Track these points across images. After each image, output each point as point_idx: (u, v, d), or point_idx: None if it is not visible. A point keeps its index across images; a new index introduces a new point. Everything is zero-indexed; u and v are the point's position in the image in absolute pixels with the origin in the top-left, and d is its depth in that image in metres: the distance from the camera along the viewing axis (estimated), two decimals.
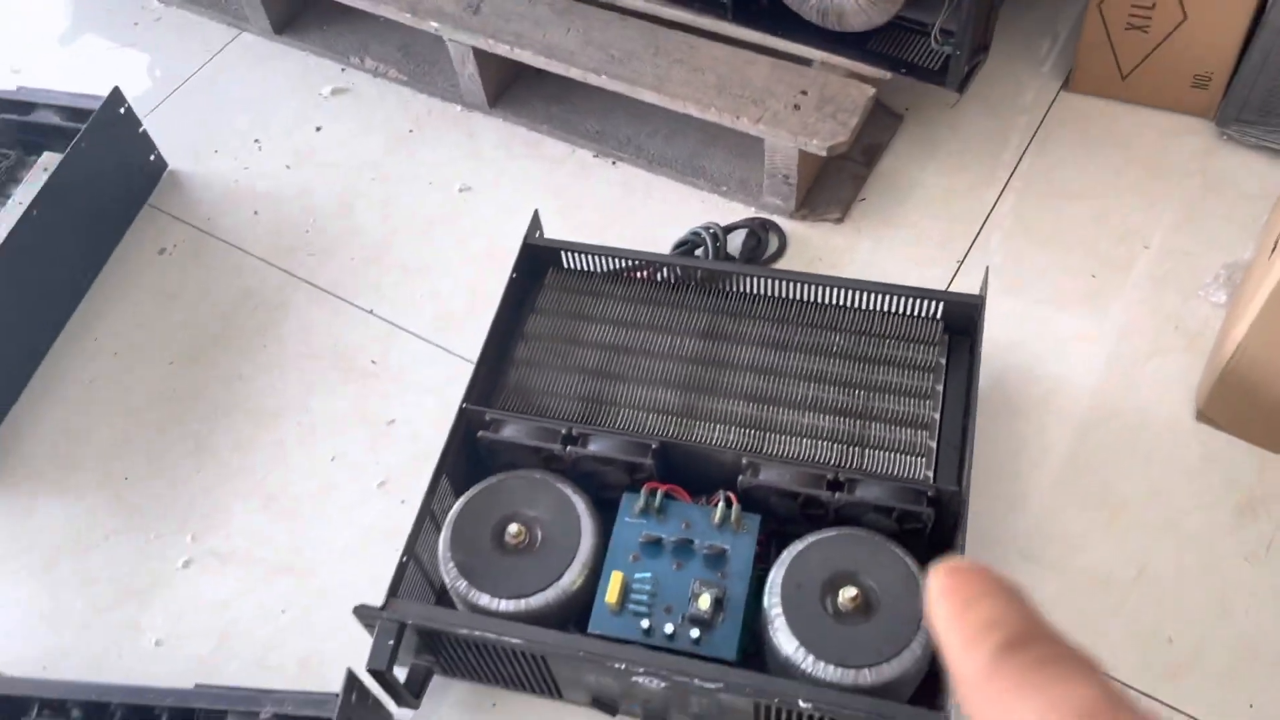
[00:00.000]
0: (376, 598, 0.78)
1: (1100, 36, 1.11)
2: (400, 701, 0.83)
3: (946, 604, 0.23)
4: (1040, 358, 1.00)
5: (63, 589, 0.95)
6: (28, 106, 1.14)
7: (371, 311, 1.10)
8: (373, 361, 1.07)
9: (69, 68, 1.35)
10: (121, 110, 1.15)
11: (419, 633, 0.79)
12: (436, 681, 0.87)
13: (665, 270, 0.98)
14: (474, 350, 0.91)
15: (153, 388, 1.07)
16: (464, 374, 0.90)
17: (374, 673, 0.78)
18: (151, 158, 1.21)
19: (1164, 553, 0.89)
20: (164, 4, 1.40)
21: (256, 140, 1.26)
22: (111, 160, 1.16)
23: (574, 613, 0.81)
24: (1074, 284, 1.05)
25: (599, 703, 0.83)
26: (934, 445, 0.86)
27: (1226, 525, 0.90)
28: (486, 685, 0.86)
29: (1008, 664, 0.22)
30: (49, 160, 1.10)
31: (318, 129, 1.26)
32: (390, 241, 1.15)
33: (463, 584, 0.81)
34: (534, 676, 0.81)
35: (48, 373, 1.09)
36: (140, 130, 1.19)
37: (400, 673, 0.82)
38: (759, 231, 1.09)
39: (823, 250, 1.10)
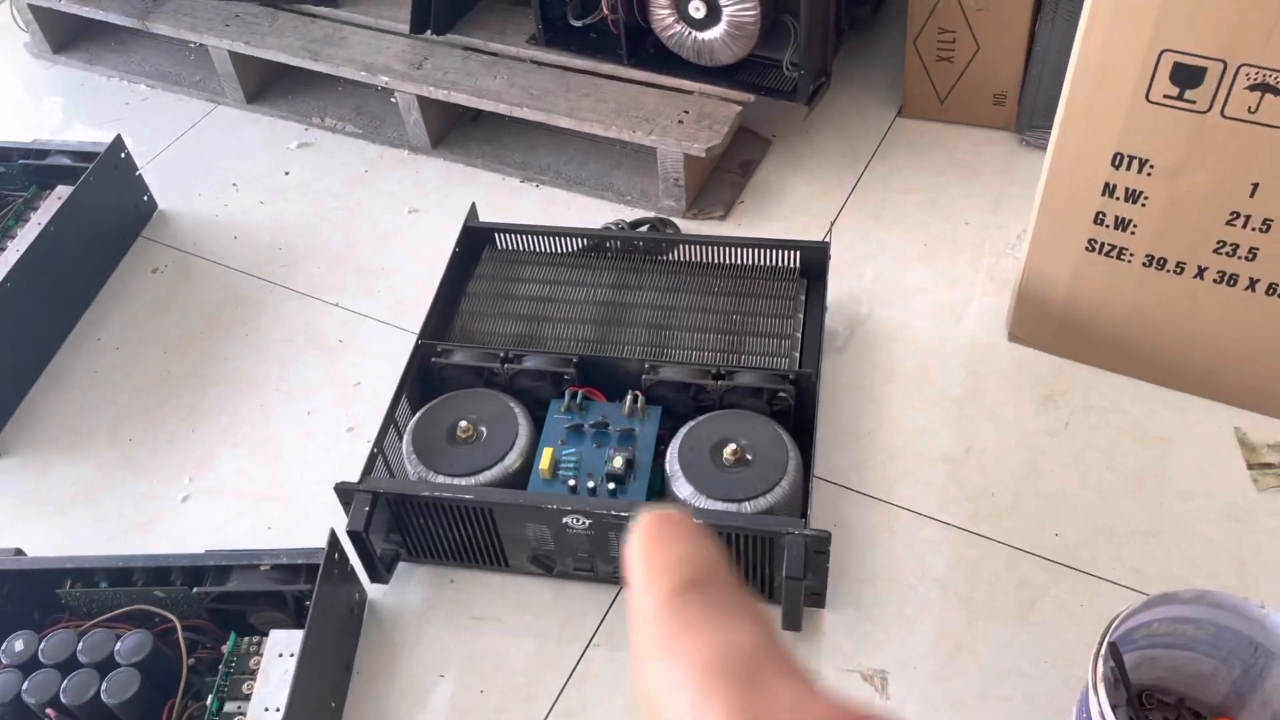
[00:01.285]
0: (345, 520, 0.95)
1: (919, 68, 1.40)
2: (373, 574, 1.00)
3: (639, 542, 0.23)
4: (887, 305, 1.24)
5: (77, 525, 1.12)
6: (43, 153, 1.36)
7: (337, 304, 1.31)
8: (340, 340, 1.27)
9: (71, 139, 1.57)
10: (122, 155, 1.38)
11: (388, 507, 0.98)
12: (402, 567, 1.05)
13: (581, 241, 1.21)
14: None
15: (150, 372, 1.26)
16: None
17: (352, 534, 0.96)
18: (145, 198, 1.43)
19: (987, 435, 1.11)
20: (150, 87, 1.65)
21: (234, 184, 1.48)
22: (113, 195, 1.37)
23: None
24: (912, 252, 1.30)
25: (537, 561, 1.01)
26: (796, 352, 1.09)
27: (1032, 412, 1.13)
28: (444, 567, 1.04)
29: (681, 602, 0.22)
30: (62, 191, 1.31)
31: (286, 173, 1.49)
32: (351, 253, 1.37)
33: (422, 468, 1.00)
34: (484, 541, 1.00)
35: (58, 365, 1.27)
36: (136, 174, 1.41)
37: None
38: (658, 225, 1.34)
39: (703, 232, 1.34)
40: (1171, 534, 1.02)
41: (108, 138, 1.52)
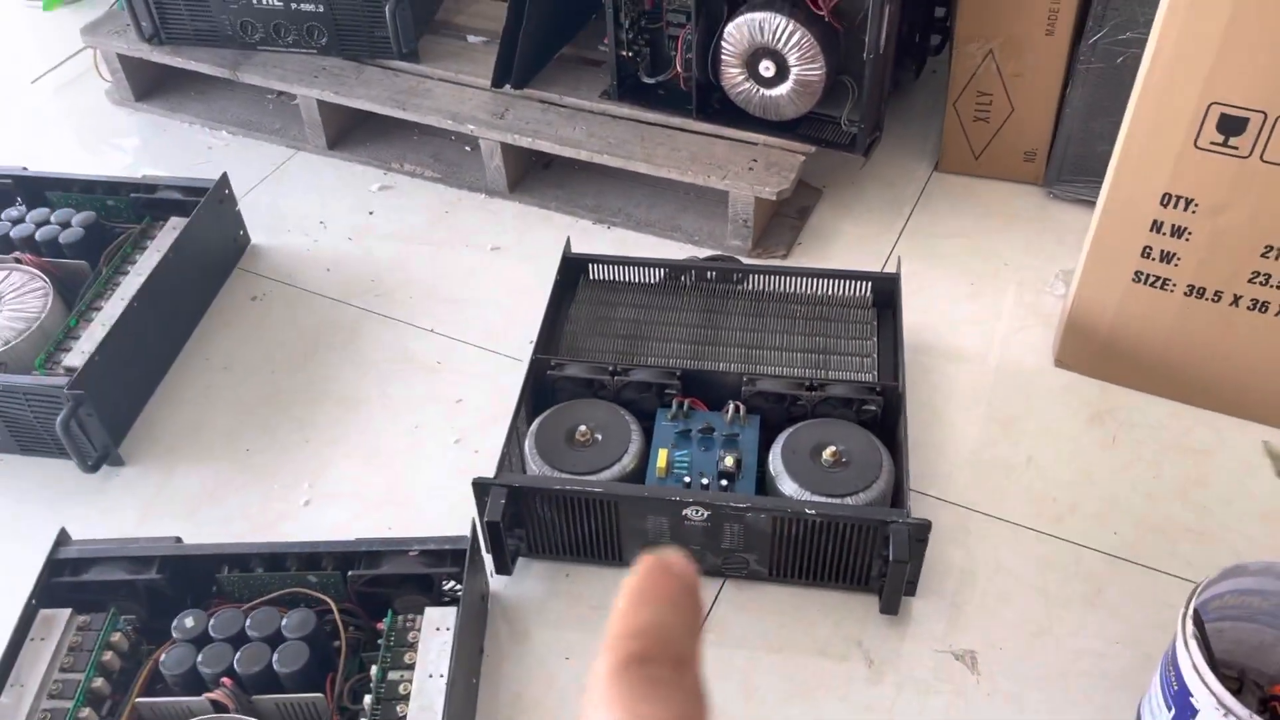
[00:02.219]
0: (462, 520, 1.05)
1: (957, 128, 1.55)
2: (500, 565, 1.09)
3: (622, 598, 0.24)
4: (942, 335, 1.37)
5: (204, 526, 1.19)
6: (152, 188, 1.45)
7: (432, 330, 1.41)
8: (438, 362, 1.37)
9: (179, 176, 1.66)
10: (226, 191, 1.47)
11: (515, 501, 1.07)
12: (521, 562, 1.13)
13: (668, 273, 1.33)
14: (519, 352, 1.22)
15: (259, 389, 1.34)
16: (512, 368, 1.21)
17: (490, 525, 1.04)
18: (241, 232, 1.52)
19: (1043, 448, 1.23)
20: (231, 134, 1.75)
21: (321, 222, 1.58)
22: (216, 228, 1.47)
23: None
24: (959, 289, 1.43)
25: None
26: (876, 368, 1.21)
27: (1083, 429, 1.25)
28: (561, 562, 1.13)
29: (627, 673, 0.23)
30: (177, 222, 1.40)
31: (370, 213, 1.60)
32: (440, 285, 1.48)
33: (547, 467, 1.09)
34: (603, 534, 1.09)
35: (171, 381, 1.35)
36: (236, 208, 1.51)
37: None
38: (727, 261, 1.46)
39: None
40: (1217, 532, 1.14)
41: (193, 178, 1.62)
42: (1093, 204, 1.51)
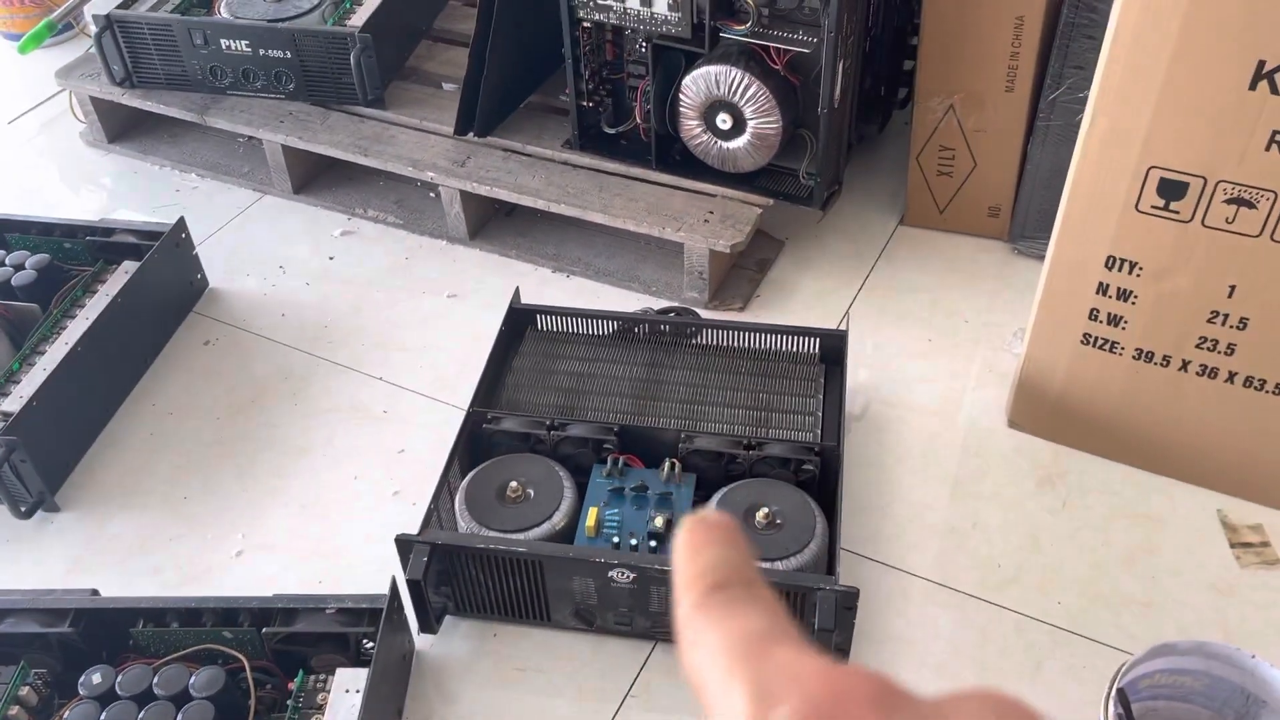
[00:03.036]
0: (398, 569, 1.03)
1: (920, 182, 1.54)
2: (425, 624, 1.07)
3: (681, 551, 0.27)
4: (895, 392, 1.35)
5: (135, 577, 1.17)
6: (109, 230, 1.45)
7: (381, 378, 1.40)
8: (384, 411, 1.35)
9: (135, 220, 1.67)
10: (183, 235, 1.47)
11: (440, 560, 1.05)
12: (448, 620, 1.11)
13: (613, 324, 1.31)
14: (466, 402, 1.20)
15: (202, 436, 1.33)
16: (458, 417, 1.19)
17: (411, 583, 1.02)
18: (198, 276, 1.52)
19: (990, 512, 1.21)
20: (200, 176, 1.75)
21: (281, 266, 1.58)
22: (171, 272, 1.46)
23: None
24: (916, 345, 1.41)
25: (579, 615, 1.08)
26: (818, 429, 1.18)
27: (1032, 492, 1.22)
28: (489, 621, 1.11)
29: (709, 601, 0.26)
30: (129, 266, 1.40)
31: (330, 258, 1.60)
32: (394, 332, 1.47)
33: (475, 524, 1.08)
34: (529, 593, 1.06)
35: (115, 427, 1.34)
36: (193, 252, 1.51)
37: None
38: (681, 314, 1.44)
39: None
40: (1163, 604, 1.11)
41: (159, 218, 1.62)
42: None
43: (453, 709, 1.05)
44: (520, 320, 1.32)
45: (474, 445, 1.17)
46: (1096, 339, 1.16)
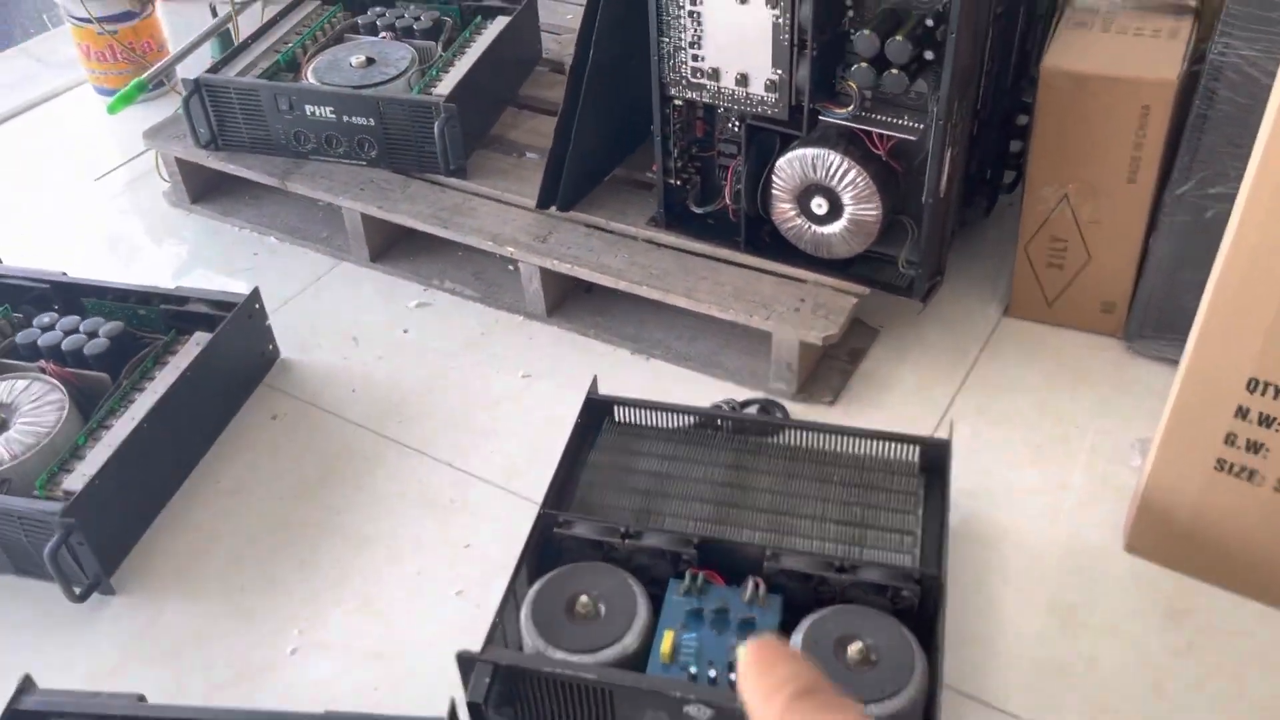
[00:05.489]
0: (452, 685, 0.95)
1: (1028, 273, 1.44)
2: None
3: (753, 668, 0.28)
4: (999, 505, 1.24)
5: (185, 671, 1.12)
6: (183, 299, 1.42)
7: (450, 464, 1.34)
8: (451, 500, 1.29)
9: (200, 285, 1.65)
10: (256, 305, 1.44)
11: (504, 681, 0.97)
12: None
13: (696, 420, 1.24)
14: (537, 494, 1.13)
15: (265, 519, 1.28)
16: (528, 511, 1.12)
17: (472, 706, 0.95)
18: (270, 347, 1.49)
19: (1107, 649, 1.09)
20: (279, 240, 1.73)
21: (354, 338, 1.54)
22: (243, 344, 1.43)
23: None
24: (1022, 452, 1.31)
25: None
26: (917, 549, 1.09)
27: (1154, 628, 1.11)
28: None
29: (797, 706, 0.27)
30: (200, 337, 1.37)
31: (405, 331, 1.55)
32: (466, 413, 1.41)
33: (541, 642, 1.00)
34: None
35: (176, 507, 1.30)
36: (266, 323, 1.47)
37: None
38: (767, 407, 1.36)
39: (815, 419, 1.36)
40: None
41: (237, 285, 1.59)
42: (1177, 364, 1.38)
43: None
44: (597, 411, 1.25)
45: (542, 550, 1.10)
46: (1232, 465, 1.04)
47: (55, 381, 1.31)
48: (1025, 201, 1.38)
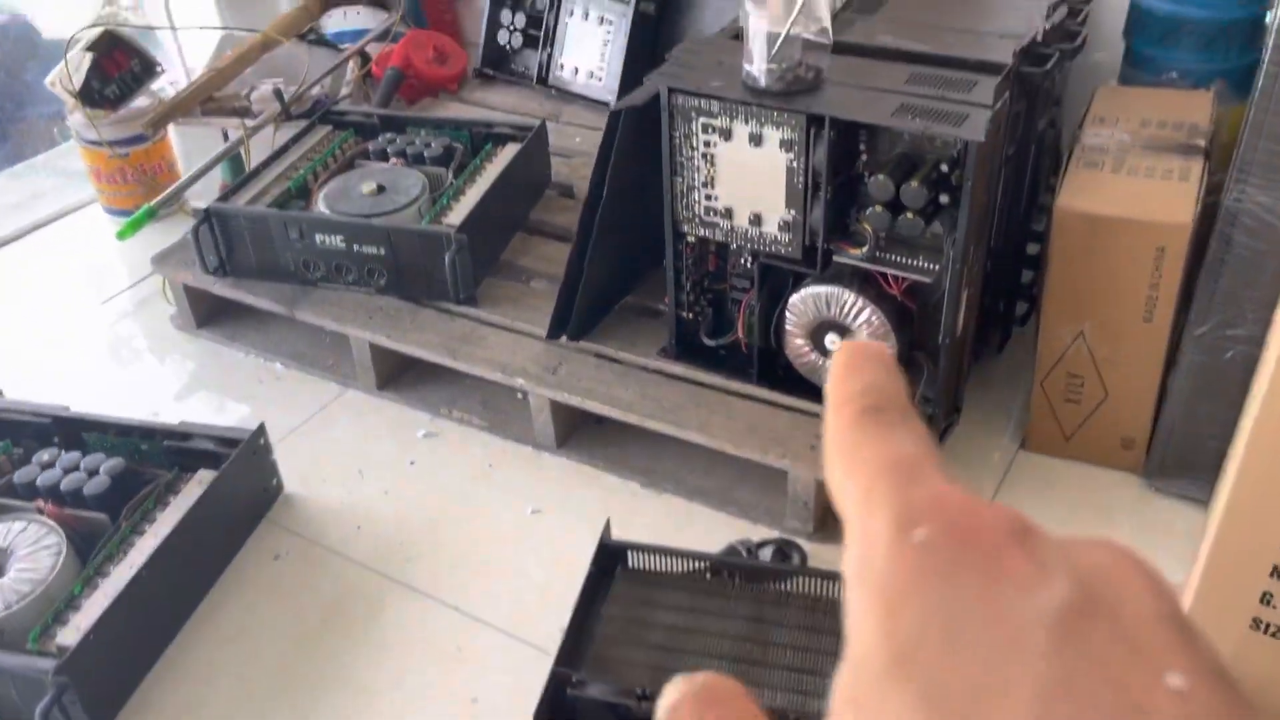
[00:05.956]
0: None
1: (1045, 408, 1.42)
2: None
3: (838, 371, 0.28)
4: None
5: None
6: (186, 435, 1.40)
7: (457, 608, 1.30)
8: (459, 648, 1.25)
9: (195, 415, 1.62)
10: (261, 441, 1.42)
11: None
12: None
13: (712, 567, 1.20)
14: (547, 642, 1.10)
15: (265, 666, 1.23)
16: (538, 661, 1.09)
17: None
18: (274, 481, 1.46)
19: None
20: (285, 367, 1.71)
21: (360, 470, 1.51)
22: (248, 480, 1.40)
23: None
24: None
25: None
26: None
27: None
28: None
29: (863, 421, 0.26)
30: (204, 476, 1.34)
31: (411, 463, 1.52)
32: (474, 551, 1.37)
33: None
34: None
35: (175, 653, 1.25)
36: (271, 458, 1.44)
37: None
38: (785, 548, 1.33)
39: (835, 564, 1.33)
40: None
41: (242, 412, 1.57)
42: (1200, 501, 1.35)
43: None
44: (610, 557, 1.22)
45: (556, 712, 1.06)
46: (1269, 626, 1.01)
47: (53, 523, 1.27)
48: (1041, 338, 1.37)
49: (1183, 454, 1.35)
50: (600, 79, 2.11)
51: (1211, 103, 1.42)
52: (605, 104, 2.10)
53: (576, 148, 2.00)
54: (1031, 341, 1.55)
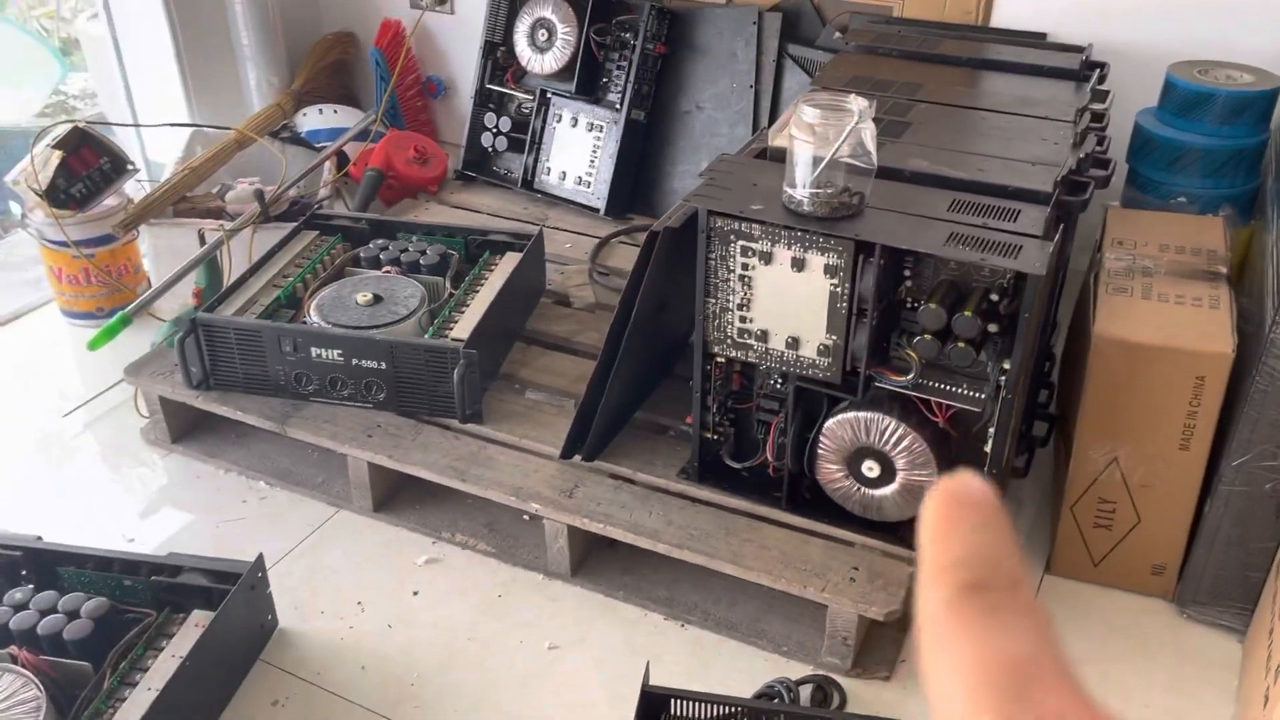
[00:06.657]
0: None
1: (1074, 532, 1.40)
2: None
3: (931, 525, 0.24)
4: None
5: None
6: (176, 569, 1.29)
7: None
8: None
9: (176, 540, 1.51)
10: (260, 575, 1.31)
11: None
12: None
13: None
14: None
15: None
16: None
17: None
18: (270, 617, 1.35)
19: None
20: (269, 485, 1.61)
21: (359, 602, 1.41)
22: (244, 618, 1.29)
23: None
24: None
25: None
26: None
27: None
28: None
29: (961, 604, 0.22)
30: (199, 618, 1.23)
31: (415, 593, 1.43)
32: (489, 694, 1.28)
33: None
34: None
35: None
36: (267, 592, 1.34)
37: None
38: (825, 686, 1.26)
39: (876, 705, 1.27)
40: None
41: (225, 536, 1.46)
42: (1236, 630, 1.33)
43: None
44: (654, 704, 1.14)
45: None
46: None
47: (29, 674, 1.15)
48: (1073, 463, 1.35)
49: (1217, 583, 1.33)
50: (589, 184, 2.08)
51: (1224, 229, 1.44)
52: (594, 209, 2.07)
53: (568, 254, 1.96)
54: (1051, 463, 1.53)
